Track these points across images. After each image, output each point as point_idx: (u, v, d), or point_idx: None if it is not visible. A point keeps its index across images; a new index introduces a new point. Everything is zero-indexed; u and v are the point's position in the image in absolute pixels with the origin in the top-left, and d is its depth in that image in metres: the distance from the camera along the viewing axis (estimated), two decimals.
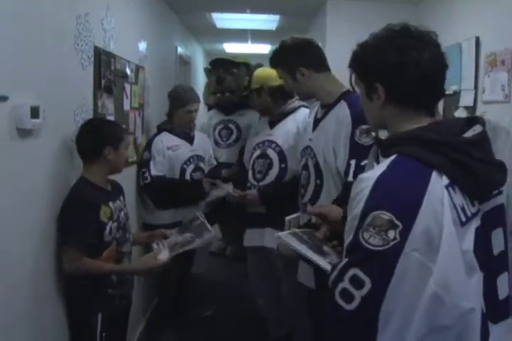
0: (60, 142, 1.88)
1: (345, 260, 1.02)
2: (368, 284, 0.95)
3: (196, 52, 7.25)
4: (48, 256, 1.82)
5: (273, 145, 2.65)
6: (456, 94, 3.12)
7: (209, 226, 2.31)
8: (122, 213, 2.09)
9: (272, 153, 2.63)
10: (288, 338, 2.84)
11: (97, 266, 1.88)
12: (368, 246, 0.96)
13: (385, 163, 1.03)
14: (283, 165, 2.59)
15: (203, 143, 3.27)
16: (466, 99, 3.01)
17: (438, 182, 0.97)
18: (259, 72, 2.83)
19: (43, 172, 1.75)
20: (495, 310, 1.07)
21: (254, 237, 2.69)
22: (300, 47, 2.07)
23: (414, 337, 0.95)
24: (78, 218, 1.83)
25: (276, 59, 2.14)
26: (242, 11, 4.65)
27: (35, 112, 1.56)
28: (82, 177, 1.96)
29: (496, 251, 1.09)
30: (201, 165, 3.17)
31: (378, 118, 1.16)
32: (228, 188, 2.95)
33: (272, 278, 2.78)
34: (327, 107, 2.02)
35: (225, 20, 5.18)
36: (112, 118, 2.48)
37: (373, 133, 1.39)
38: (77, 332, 1.93)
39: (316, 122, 2.07)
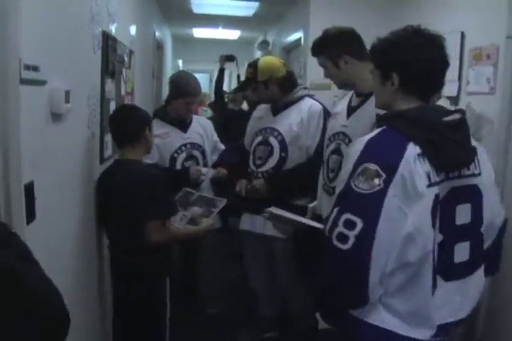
0: (80, 127, 1.89)
1: (335, 209, 1.21)
2: (359, 224, 1.15)
3: (166, 36, 7.18)
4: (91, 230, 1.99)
5: (275, 133, 2.67)
6: None
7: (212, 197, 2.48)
8: None
9: (273, 141, 2.67)
10: (280, 316, 2.96)
11: (180, 232, 2.16)
12: (357, 190, 1.18)
13: (375, 131, 1.29)
14: (283, 154, 2.63)
15: (200, 130, 3.10)
16: (449, 90, 3.15)
17: (412, 151, 1.21)
18: (265, 63, 2.71)
19: (73, 157, 1.78)
20: (448, 269, 1.30)
21: (252, 222, 2.74)
22: (345, 36, 2.15)
23: (389, 272, 1.18)
24: (160, 193, 2.00)
25: (320, 47, 2.20)
26: None
27: (67, 97, 1.57)
28: (130, 160, 2.07)
29: (458, 222, 1.31)
30: (194, 152, 3.02)
31: (387, 100, 1.39)
32: (213, 172, 2.99)
33: (267, 258, 2.85)
34: (364, 96, 2.10)
35: (202, 5, 5.16)
36: (114, 103, 2.48)
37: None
38: (149, 295, 2.07)
39: (351, 110, 2.15)
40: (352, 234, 1.15)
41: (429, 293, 1.25)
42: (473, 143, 1.37)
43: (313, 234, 1.38)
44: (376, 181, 1.16)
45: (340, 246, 1.16)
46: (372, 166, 1.18)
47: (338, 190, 1.27)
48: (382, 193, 1.16)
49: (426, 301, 1.25)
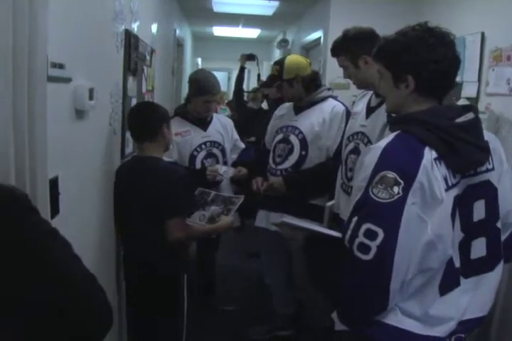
0: (102, 124, 1.93)
1: (354, 219, 1.20)
2: (380, 234, 1.14)
3: (186, 34, 7.23)
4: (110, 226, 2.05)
5: (296, 131, 2.69)
6: (458, 86, 3.25)
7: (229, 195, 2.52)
8: None
9: (294, 139, 2.68)
10: (297, 316, 2.97)
11: (199, 230, 2.22)
12: (377, 199, 1.16)
13: (390, 137, 1.27)
14: (303, 153, 2.64)
15: (220, 128, 3.08)
16: (469, 91, 3.14)
17: (429, 156, 1.20)
18: (291, 61, 2.72)
19: (95, 154, 1.82)
20: (466, 266, 1.31)
21: (267, 220, 2.75)
22: (364, 36, 2.15)
23: (409, 278, 1.18)
24: (184, 191, 2.03)
25: (340, 47, 2.21)
26: None
27: (91, 94, 1.61)
28: (151, 157, 2.09)
29: (475, 219, 1.32)
30: (214, 151, 3.01)
31: (400, 102, 1.35)
32: (233, 171, 3.00)
33: (283, 256, 2.87)
34: (383, 96, 2.10)
35: (223, 4, 5.18)
36: (135, 100, 2.52)
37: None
38: (166, 293, 2.09)
39: (370, 110, 2.15)
40: (374, 245, 1.14)
41: (437, 293, 1.25)
42: (486, 135, 1.35)
43: (328, 242, 1.35)
44: (395, 189, 1.15)
45: (362, 256, 1.15)
46: (391, 174, 1.17)
47: (354, 198, 1.25)
48: (401, 202, 1.15)
49: (435, 300, 1.25)
